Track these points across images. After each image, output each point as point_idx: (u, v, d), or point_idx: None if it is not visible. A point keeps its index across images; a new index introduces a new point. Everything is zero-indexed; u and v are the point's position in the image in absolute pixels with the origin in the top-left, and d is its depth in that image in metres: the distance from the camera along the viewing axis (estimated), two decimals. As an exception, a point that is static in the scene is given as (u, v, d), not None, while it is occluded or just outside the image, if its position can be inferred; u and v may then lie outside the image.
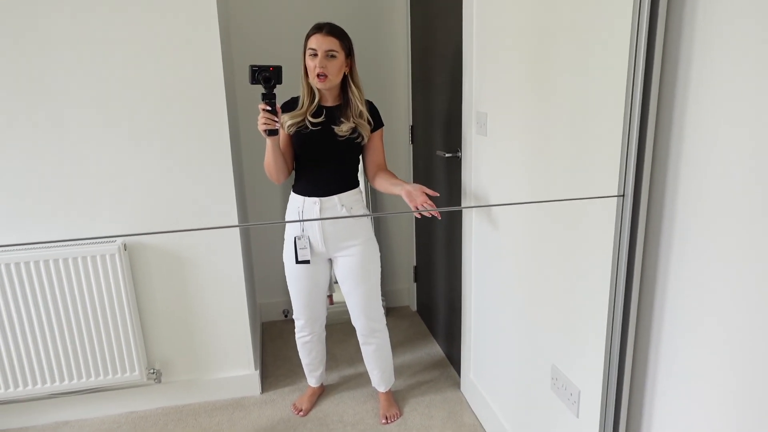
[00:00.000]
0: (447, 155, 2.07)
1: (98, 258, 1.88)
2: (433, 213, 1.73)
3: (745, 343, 0.90)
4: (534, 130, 1.43)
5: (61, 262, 1.86)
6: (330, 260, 1.95)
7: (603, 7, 1.10)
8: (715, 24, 0.89)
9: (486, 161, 1.76)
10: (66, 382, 1.99)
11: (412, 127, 2.72)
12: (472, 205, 1.92)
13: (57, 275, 1.87)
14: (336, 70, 1.72)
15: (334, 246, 1.87)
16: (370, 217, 2.04)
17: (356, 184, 1.88)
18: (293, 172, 1.88)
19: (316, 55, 1.69)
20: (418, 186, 1.70)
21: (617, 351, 1.17)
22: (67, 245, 1.86)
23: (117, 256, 1.89)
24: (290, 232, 1.88)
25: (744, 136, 0.86)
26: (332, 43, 1.69)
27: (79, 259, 1.87)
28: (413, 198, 1.68)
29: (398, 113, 2.73)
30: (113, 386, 2.08)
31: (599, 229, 1.18)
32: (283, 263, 1.93)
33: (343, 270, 1.92)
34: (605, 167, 1.12)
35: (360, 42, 1.81)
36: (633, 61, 0.99)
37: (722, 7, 0.88)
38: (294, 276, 1.92)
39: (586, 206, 1.22)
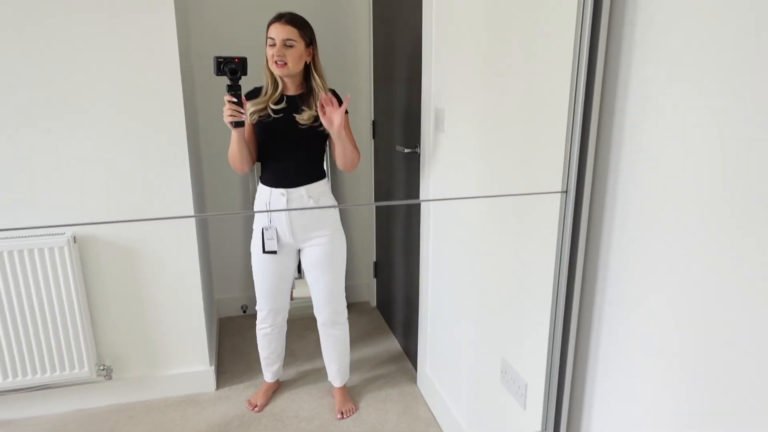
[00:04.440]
0: (406, 150, 2.08)
1: (46, 251, 1.82)
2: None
3: (685, 329, 0.94)
4: (488, 127, 1.45)
5: (6, 254, 1.79)
6: (298, 251, 1.96)
7: (550, 10, 1.12)
8: (655, 25, 0.93)
9: (443, 157, 1.78)
10: (10, 379, 1.92)
11: (373, 122, 2.72)
12: (428, 199, 1.94)
13: (2, 269, 1.80)
14: (295, 58, 1.73)
15: (302, 237, 1.89)
16: (337, 208, 2.05)
17: (323, 176, 1.89)
18: (258, 164, 1.87)
19: (275, 44, 1.70)
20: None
21: (559, 343, 1.20)
22: (14, 238, 1.80)
23: (66, 248, 1.83)
24: (258, 222, 1.89)
25: (685, 131, 0.90)
26: (290, 32, 1.70)
27: (25, 252, 1.80)
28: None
29: (360, 108, 2.73)
30: (60, 383, 2.01)
31: (546, 224, 1.21)
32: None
33: (309, 259, 1.94)
34: (552, 164, 1.16)
35: (323, 37, 1.82)
36: (576, 59, 1.02)
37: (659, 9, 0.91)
38: (260, 266, 1.93)
39: (535, 202, 1.25)
